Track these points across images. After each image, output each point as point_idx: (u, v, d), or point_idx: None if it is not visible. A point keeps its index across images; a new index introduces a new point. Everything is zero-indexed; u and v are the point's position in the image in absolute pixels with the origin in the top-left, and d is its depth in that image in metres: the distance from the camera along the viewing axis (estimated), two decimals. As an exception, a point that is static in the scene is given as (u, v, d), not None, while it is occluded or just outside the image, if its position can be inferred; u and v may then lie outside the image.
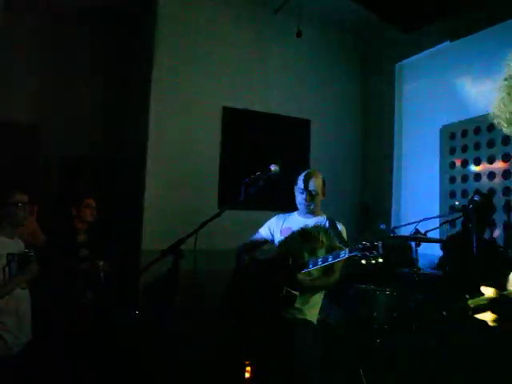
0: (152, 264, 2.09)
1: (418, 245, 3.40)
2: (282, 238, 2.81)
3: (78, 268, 3.19)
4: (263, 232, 3.00)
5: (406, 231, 3.81)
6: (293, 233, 2.75)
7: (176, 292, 2.11)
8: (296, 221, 2.84)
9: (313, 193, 2.74)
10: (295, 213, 2.90)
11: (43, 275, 2.72)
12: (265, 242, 2.99)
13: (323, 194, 2.82)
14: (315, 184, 2.76)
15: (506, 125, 1.41)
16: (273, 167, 2.69)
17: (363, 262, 2.30)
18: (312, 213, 2.81)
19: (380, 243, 2.27)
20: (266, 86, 5.00)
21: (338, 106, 5.47)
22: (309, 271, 2.54)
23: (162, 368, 2.83)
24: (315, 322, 2.72)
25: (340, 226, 2.76)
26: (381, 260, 2.26)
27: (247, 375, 2.80)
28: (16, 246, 2.66)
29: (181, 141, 4.52)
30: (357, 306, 3.49)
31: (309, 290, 2.61)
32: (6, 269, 2.52)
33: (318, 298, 2.73)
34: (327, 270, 2.61)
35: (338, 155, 5.37)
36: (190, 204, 4.42)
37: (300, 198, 2.78)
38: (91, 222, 3.35)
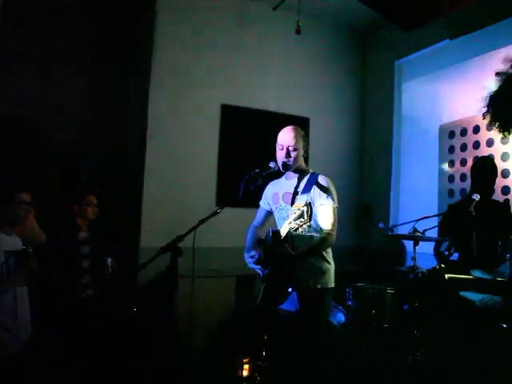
0: (150, 261, 2.09)
1: (416, 243, 3.40)
2: (273, 206, 2.78)
3: (79, 265, 3.20)
4: (262, 205, 2.95)
5: (404, 230, 3.82)
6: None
7: (174, 289, 2.11)
8: (281, 185, 2.78)
9: (290, 149, 2.62)
10: (282, 176, 2.80)
11: (45, 272, 2.72)
12: (268, 213, 2.93)
13: (304, 151, 2.70)
14: (294, 140, 2.62)
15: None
16: (272, 164, 2.68)
17: (300, 230, 2.30)
18: (295, 171, 2.69)
19: (305, 208, 2.25)
20: (265, 83, 5.00)
21: (337, 104, 5.47)
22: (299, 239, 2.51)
23: (161, 366, 2.83)
24: (331, 285, 2.65)
25: (324, 183, 2.60)
26: (308, 224, 2.28)
27: (245, 373, 2.81)
28: (14, 243, 2.66)
29: (179, 138, 4.51)
30: (357, 305, 3.49)
31: (299, 258, 2.53)
32: (4, 266, 2.50)
33: (322, 265, 2.62)
34: (317, 235, 2.54)
35: (337, 153, 5.38)
36: (188, 201, 4.42)
37: (279, 154, 2.65)
38: (92, 220, 3.35)
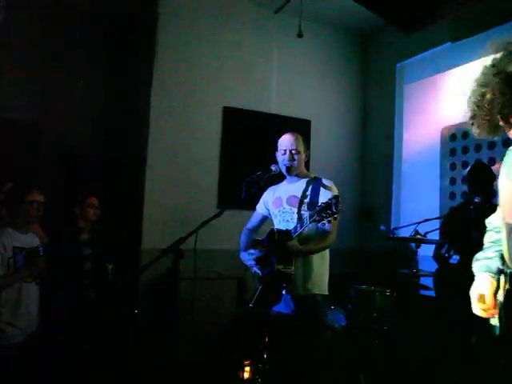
0: (152, 263, 2.09)
1: (417, 246, 3.40)
2: (275, 209, 2.78)
3: (81, 267, 3.20)
4: (259, 209, 2.96)
5: (406, 232, 3.82)
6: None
7: (176, 291, 2.11)
8: (283, 189, 2.79)
9: (293, 152, 2.66)
10: (284, 181, 2.84)
11: (46, 274, 2.73)
12: (264, 218, 2.96)
13: (306, 155, 2.75)
14: (297, 143, 2.68)
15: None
16: (273, 167, 2.70)
17: (325, 222, 2.31)
18: (298, 175, 2.73)
19: (333, 200, 2.25)
20: (267, 86, 5.01)
21: (339, 107, 5.47)
22: (300, 240, 2.51)
23: (161, 368, 2.84)
24: (326, 293, 2.68)
25: (328, 185, 2.64)
26: (336, 216, 2.28)
27: (246, 376, 2.80)
28: (30, 240, 2.71)
29: (181, 140, 4.52)
30: (357, 307, 3.49)
31: (305, 255, 2.57)
32: (11, 261, 2.55)
33: (320, 270, 2.65)
34: (319, 234, 2.57)
35: (338, 155, 5.37)
36: (190, 203, 4.42)
37: (282, 159, 2.69)
38: (94, 221, 3.35)
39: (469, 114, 1.61)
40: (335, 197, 2.28)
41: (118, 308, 3.28)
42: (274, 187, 2.89)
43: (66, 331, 2.88)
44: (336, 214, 2.26)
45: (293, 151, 2.66)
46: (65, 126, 4.60)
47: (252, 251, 2.69)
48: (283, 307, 2.62)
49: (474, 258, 1.83)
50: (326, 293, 2.69)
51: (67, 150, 4.53)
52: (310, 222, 2.37)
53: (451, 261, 3.47)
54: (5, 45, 4.19)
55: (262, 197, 2.95)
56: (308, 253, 2.58)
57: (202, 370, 3.32)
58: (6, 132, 4.26)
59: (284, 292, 2.56)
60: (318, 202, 2.50)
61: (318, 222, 2.33)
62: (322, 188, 2.61)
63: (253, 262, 2.67)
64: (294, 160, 2.66)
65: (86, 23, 4.78)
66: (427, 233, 3.55)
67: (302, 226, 2.43)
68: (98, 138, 4.70)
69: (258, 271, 2.65)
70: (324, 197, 2.52)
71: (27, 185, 2.80)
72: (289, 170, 2.69)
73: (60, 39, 4.67)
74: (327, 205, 2.27)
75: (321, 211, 2.28)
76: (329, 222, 2.33)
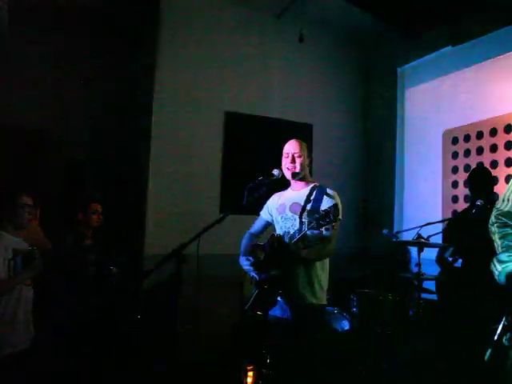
0: (155, 269, 2.09)
1: (420, 250, 3.39)
2: (278, 216, 2.78)
3: (84, 273, 3.20)
4: (263, 215, 2.96)
5: (408, 236, 3.81)
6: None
7: (178, 296, 2.11)
8: (288, 195, 2.80)
9: (295, 155, 2.69)
10: (289, 188, 2.85)
11: (49, 279, 2.73)
12: (267, 224, 2.96)
13: (309, 160, 2.77)
14: (299, 147, 2.71)
15: None
16: (275, 172, 2.70)
17: (322, 230, 2.32)
18: (302, 180, 2.74)
19: (331, 209, 2.26)
20: (269, 90, 5.02)
21: (340, 111, 5.48)
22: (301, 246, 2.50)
23: (164, 374, 2.83)
24: (324, 302, 2.68)
25: (331, 194, 2.64)
26: (334, 224, 2.31)
27: (249, 380, 2.80)
28: (20, 244, 2.68)
29: (183, 146, 4.53)
30: (360, 311, 3.49)
31: (305, 261, 2.56)
32: (12, 263, 2.54)
33: (319, 278, 2.64)
34: (319, 241, 2.55)
35: (340, 160, 5.38)
36: (192, 209, 4.43)
37: (285, 162, 2.72)
38: (97, 227, 3.36)
39: None
40: (334, 205, 2.30)
41: (121, 313, 3.28)
42: (279, 194, 2.89)
43: (69, 336, 2.89)
44: (334, 221, 2.28)
45: (295, 154, 2.69)
46: (67, 132, 4.61)
47: (250, 258, 2.68)
48: (279, 313, 2.62)
49: (496, 259, 1.77)
50: (324, 302, 2.68)
51: (70, 155, 4.54)
52: (308, 229, 2.37)
53: (456, 265, 3.46)
54: (7, 51, 4.22)
55: (267, 203, 2.94)
56: (308, 259, 2.57)
57: (205, 375, 3.32)
58: (8, 140, 4.28)
59: (280, 298, 2.57)
60: (319, 209, 2.49)
61: (316, 229, 2.34)
62: (325, 196, 2.61)
63: (250, 267, 2.66)
64: (296, 162, 2.68)
65: (87, 27, 4.79)
66: (430, 236, 3.54)
67: (300, 232, 2.44)
68: (100, 145, 4.71)
69: (256, 276, 2.64)
70: (325, 205, 2.52)
71: (16, 188, 2.76)
72: (292, 174, 2.70)
73: (61, 43, 4.69)
74: (326, 212, 2.28)
75: (319, 218, 2.29)
76: (326, 229, 2.34)
